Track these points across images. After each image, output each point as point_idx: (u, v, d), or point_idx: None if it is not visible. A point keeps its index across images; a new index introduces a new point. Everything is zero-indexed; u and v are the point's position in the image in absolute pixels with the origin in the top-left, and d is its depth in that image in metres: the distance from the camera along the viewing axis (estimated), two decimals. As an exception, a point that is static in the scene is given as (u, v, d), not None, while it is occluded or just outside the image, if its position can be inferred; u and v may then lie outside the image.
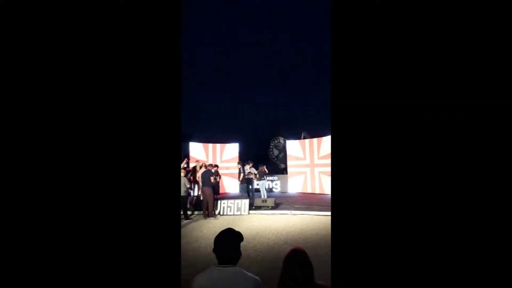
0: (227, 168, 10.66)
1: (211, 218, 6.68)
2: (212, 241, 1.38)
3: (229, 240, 1.37)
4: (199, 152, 10.61)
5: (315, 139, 10.61)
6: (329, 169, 9.93)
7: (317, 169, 10.44)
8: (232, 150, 11.28)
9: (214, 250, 1.36)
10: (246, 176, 8.81)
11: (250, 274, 1.30)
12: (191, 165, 8.13)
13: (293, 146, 11.35)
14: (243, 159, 10.01)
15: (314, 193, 10.10)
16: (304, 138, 11.65)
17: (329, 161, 9.97)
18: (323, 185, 10.15)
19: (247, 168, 8.90)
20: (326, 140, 10.02)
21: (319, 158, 10.39)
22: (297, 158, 11.06)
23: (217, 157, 10.93)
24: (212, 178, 6.83)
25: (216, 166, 7.74)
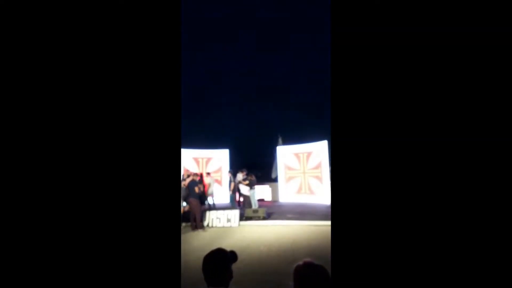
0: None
1: (199, 230, 6.42)
2: (202, 255, 1.30)
3: (218, 262, 1.29)
4: (188, 161, 10.34)
5: (304, 154, 10.57)
6: (319, 174, 9.90)
7: (308, 175, 10.39)
8: (220, 158, 11.04)
9: (203, 271, 1.29)
10: (237, 185, 8.56)
11: None
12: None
13: (284, 153, 11.21)
14: (234, 167, 9.80)
15: (307, 202, 9.96)
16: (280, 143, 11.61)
17: (318, 170, 9.94)
18: (313, 189, 10.07)
19: (240, 176, 8.65)
20: (313, 155, 10.21)
21: (308, 169, 10.38)
22: (290, 168, 10.95)
23: (204, 168, 10.69)
24: (196, 188, 6.61)
25: (209, 174, 7.50)
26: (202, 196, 6.98)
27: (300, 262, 1.25)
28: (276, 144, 11.89)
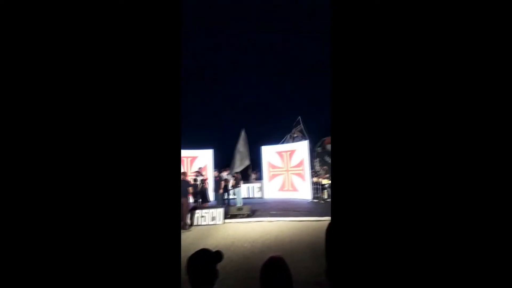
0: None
1: (183, 230, 6.44)
2: (187, 255, 1.30)
3: (203, 263, 1.28)
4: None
5: (287, 152, 10.81)
6: (301, 171, 10.16)
7: (290, 172, 10.65)
8: (205, 158, 11.04)
9: (188, 272, 1.27)
10: (225, 184, 8.63)
11: None
12: None
13: (270, 153, 11.42)
14: (219, 166, 9.78)
15: (290, 198, 10.20)
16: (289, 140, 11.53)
17: (300, 168, 10.22)
18: (296, 186, 10.37)
19: (224, 175, 8.72)
20: (296, 153, 10.48)
21: (291, 167, 10.65)
22: (273, 166, 11.16)
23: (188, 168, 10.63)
24: (190, 188, 6.64)
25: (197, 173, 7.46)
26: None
27: (267, 260, 1.34)
28: (237, 140, 10.19)
